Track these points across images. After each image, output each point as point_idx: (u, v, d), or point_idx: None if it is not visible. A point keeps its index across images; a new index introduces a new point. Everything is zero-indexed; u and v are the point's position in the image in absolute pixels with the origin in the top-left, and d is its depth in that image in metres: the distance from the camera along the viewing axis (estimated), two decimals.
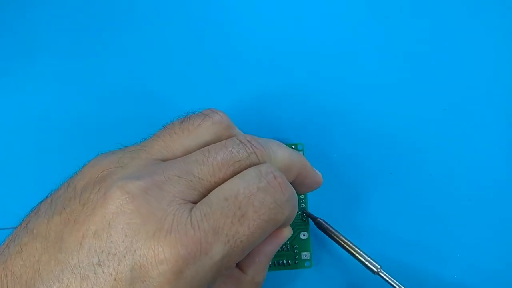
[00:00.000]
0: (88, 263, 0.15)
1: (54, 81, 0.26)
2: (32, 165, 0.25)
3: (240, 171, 0.18)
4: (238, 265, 0.20)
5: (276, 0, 0.28)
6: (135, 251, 0.15)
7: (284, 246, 0.25)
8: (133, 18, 0.27)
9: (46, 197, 0.18)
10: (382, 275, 0.23)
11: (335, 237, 0.25)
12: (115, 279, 0.14)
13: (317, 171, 0.23)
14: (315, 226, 0.25)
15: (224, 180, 0.18)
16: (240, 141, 0.19)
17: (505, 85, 0.28)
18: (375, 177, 0.27)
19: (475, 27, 0.28)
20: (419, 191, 0.27)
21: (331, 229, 0.25)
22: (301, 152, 0.27)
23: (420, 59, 0.28)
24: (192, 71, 0.27)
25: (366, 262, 0.24)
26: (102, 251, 0.15)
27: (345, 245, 0.24)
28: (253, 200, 0.17)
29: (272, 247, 0.20)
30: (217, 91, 0.27)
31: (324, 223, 0.25)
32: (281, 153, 0.20)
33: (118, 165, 0.17)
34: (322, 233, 0.25)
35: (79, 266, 0.15)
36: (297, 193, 0.22)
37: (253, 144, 0.19)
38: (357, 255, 0.24)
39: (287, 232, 0.21)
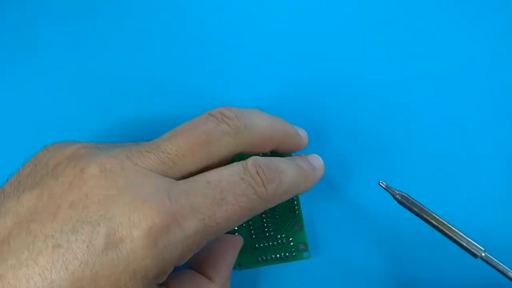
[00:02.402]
0: (61, 231, 0.15)
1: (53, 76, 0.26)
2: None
3: (212, 142, 0.18)
4: (206, 275, 0.20)
5: None
6: (110, 218, 0.15)
7: (279, 240, 0.25)
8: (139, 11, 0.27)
9: (9, 179, 0.18)
10: (487, 258, 0.18)
11: (424, 214, 0.18)
12: (87, 246, 0.15)
13: (300, 133, 0.22)
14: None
15: (197, 154, 0.18)
16: (210, 113, 0.19)
17: (505, 84, 0.27)
18: (374, 177, 0.25)
19: (473, 26, 0.27)
20: (418, 190, 0.25)
21: (418, 204, 0.19)
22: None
23: (419, 60, 0.27)
24: (198, 67, 0.26)
25: (466, 245, 0.18)
26: (77, 220, 0.15)
27: (440, 225, 0.18)
28: (235, 188, 0.17)
29: (231, 256, 0.21)
30: (211, 88, 0.26)
31: (409, 197, 0.19)
32: (260, 123, 0.20)
33: (94, 146, 0.18)
34: (317, 222, 0.25)
35: (52, 235, 0.15)
36: (282, 153, 0.23)
37: (223, 114, 0.19)
38: (455, 237, 0.18)
39: (240, 240, 0.22)
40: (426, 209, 0.19)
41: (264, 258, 0.24)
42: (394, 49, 0.27)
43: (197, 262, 0.20)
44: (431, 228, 0.21)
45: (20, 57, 0.26)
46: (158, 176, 0.16)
